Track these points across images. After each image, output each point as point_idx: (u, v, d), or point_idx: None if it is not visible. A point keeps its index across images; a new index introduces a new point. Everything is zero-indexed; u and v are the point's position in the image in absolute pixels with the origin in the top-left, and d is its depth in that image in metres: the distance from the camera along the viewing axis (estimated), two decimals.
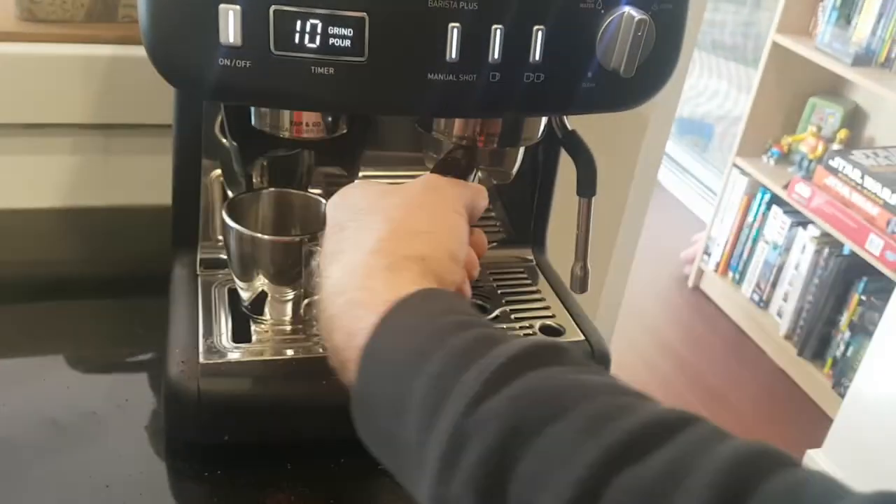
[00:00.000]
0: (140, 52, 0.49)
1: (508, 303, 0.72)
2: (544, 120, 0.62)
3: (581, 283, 0.66)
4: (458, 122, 0.59)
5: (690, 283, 2.78)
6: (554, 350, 0.39)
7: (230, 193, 0.71)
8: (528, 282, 0.75)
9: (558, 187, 0.78)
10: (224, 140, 0.63)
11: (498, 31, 0.50)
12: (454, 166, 0.59)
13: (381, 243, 0.46)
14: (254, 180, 0.69)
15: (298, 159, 0.69)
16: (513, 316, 0.70)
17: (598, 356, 0.65)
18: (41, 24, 0.80)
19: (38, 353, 0.72)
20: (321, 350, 0.62)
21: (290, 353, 0.61)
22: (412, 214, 0.48)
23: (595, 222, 0.65)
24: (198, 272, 0.69)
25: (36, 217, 0.87)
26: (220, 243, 0.68)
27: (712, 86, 3.74)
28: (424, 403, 0.38)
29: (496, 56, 0.51)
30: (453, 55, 0.50)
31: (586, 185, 0.64)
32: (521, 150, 0.64)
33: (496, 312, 0.70)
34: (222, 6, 0.46)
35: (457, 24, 0.49)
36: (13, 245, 0.85)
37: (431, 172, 0.57)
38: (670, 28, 0.54)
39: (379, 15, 0.48)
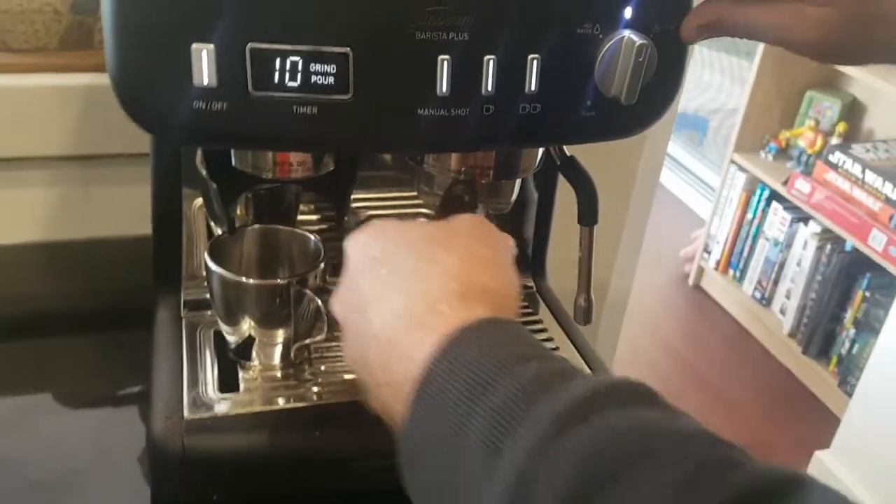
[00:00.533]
0: None
1: None
2: (541, 149, 0.59)
3: (585, 315, 0.63)
4: (451, 156, 0.56)
5: (691, 282, 2.75)
6: (637, 389, 0.35)
7: (213, 225, 0.68)
8: (530, 310, 0.72)
9: (556, 208, 0.75)
10: (204, 173, 0.60)
11: (491, 62, 0.47)
12: (458, 203, 0.56)
13: (451, 272, 0.42)
14: (238, 212, 0.66)
15: (284, 192, 0.65)
16: None
17: None
18: (14, 53, 0.76)
19: (18, 394, 0.70)
20: (315, 397, 0.59)
21: (281, 401, 0.58)
22: (475, 246, 0.45)
23: (598, 230, 0.62)
24: (182, 314, 0.65)
25: (14, 253, 0.84)
26: (206, 284, 0.65)
27: (705, 78, 3.71)
28: (486, 439, 0.33)
29: (489, 88, 0.48)
30: (444, 89, 0.47)
31: (588, 214, 0.61)
32: (519, 180, 0.61)
33: None
34: (195, 45, 0.43)
35: (447, 57, 0.46)
36: None
37: (437, 211, 0.54)
38: (673, 51, 0.51)
39: (363, 50, 0.45)
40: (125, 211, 0.84)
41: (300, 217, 0.69)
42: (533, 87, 0.49)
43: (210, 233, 0.69)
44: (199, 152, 0.61)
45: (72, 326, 0.80)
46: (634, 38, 0.48)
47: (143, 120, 0.46)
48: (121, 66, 0.44)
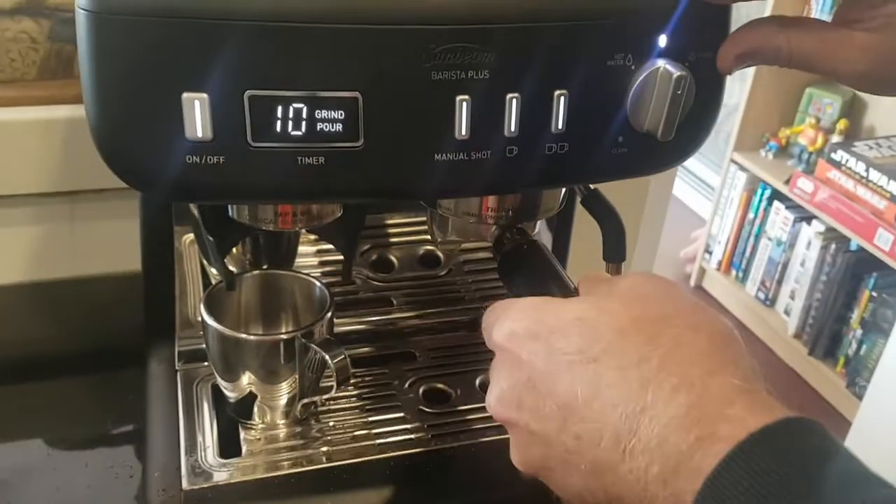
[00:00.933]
0: None
1: None
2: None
3: None
4: (468, 200, 0.52)
5: (693, 282, 2.71)
6: None
7: (207, 264, 0.63)
8: None
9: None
10: (199, 220, 0.56)
11: (514, 101, 0.43)
12: (518, 251, 0.51)
13: (690, 356, 0.36)
14: (233, 251, 0.61)
15: (282, 234, 0.61)
16: None
17: None
18: None
19: (8, 440, 0.66)
20: (324, 458, 0.55)
21: (286, 465, 0.54)
22: (710, 321, 0.39)
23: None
24: (176, 367, 0.61)
25: (1, 294, 0.79)
26: (201, 333, 0.61)
27: None
28: None
29: (513, 129, 0.43)
30: (463, 132, 0.42)
31: (615, 250, 0.56)
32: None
33: None
34: (186, 95, 0.38)
35: (465, 97, 0.42)
36: None
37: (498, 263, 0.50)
38: (711, 79, 0.47)
39: (374, 93, 0.40)
40: (114, 247, 0.79)
41: (303, 260, 0.64)
42: (560, 126, 0.44)
43: (204, 271, 0.65)
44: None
45: (61, 367, 0.76)
46: (671, 68, 0.44)
47: (130, 177, 0.41)
48: (103, 120, 0.39)
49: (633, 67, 0.45)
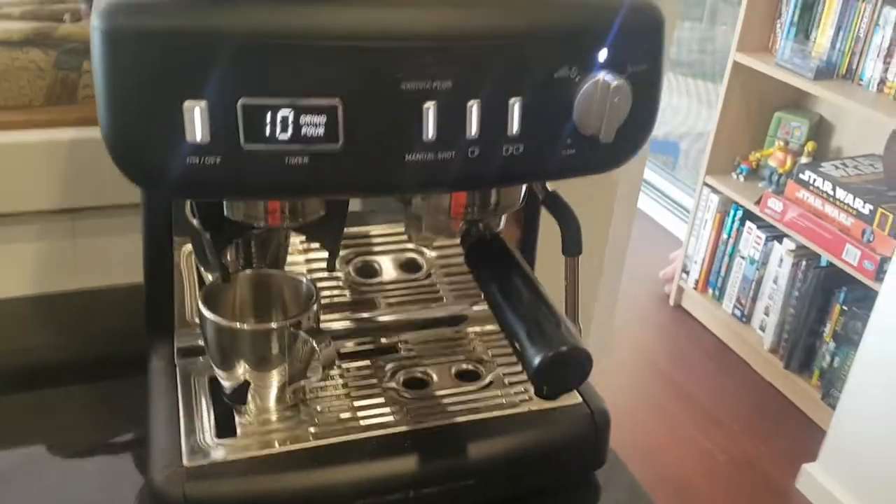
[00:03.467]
0: None
1: (500, 366, 0.70)
2: (524, 186, 0.61)
3: None
4: (440, 197, 0.58)
5: (672, 302, 2.78)
6: None
7: (204, 271, 0.69)
8: None
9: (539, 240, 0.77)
10: (194, 222, 0.61)
11: (474, 107, 0.49)
12: (481, 242, 0.57)
13: None
14: (228, 257, 0.67)
15: (272, 236, 0.67)
16: (506, 381, 0.68)
17: (598, 421, 0.64)
18: None
19: (13, 447, 0.70)
20: (311, 437, 0.60)
21: (278, 444, 0.59)
22: None
23: (582, 258, 0.64)
24: (175, 361, 0.66)
25: (5, 307, 0.84)
26: (199, 330, 0.66)
27: (674, 102, 3.78)
28: None
29: (474, 132, 0.49)
30: (430, 134, 0.49)
31: (572, 245, 0.62)
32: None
33: (489, 378, 0.68)
34: (187, 103, 0.44)
35: (432, 104, 0.48)
36: None
37: (466, 256, 0.56)
38: (647, 89, 0.53)
39: (352, 101, 0.46)
40: (115, 261, 0.85)
41: (292, 259, 0.70)
42: (515, 130, 0.50)
43: (201, 279, 0.70)
44: (189, 203, 0.62)
45: (66, 378, 0.80)
46: (610, 79, 0.50)
47: (138, 177, 0.47)
48: (114, 125, 0.45)
49: (577, 79, 0.51)
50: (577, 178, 0.61)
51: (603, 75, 0.50)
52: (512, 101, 0.50)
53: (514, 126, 0.50)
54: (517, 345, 0.50)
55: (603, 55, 0.51)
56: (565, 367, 0.49)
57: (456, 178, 0.51)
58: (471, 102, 0.49)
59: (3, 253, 0.82)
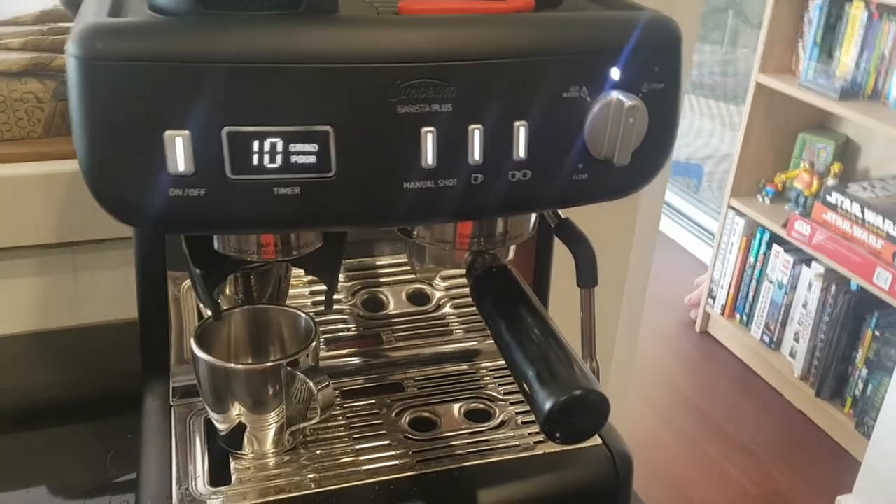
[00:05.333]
0: None
1: (513, 405, 0.66)
2: (534, 214, 0.57)
3: None
4: (442, 227, 0.54)
5: (698, 328, 2.71)
6: None
7: (202, 306, 0.66)
8: None
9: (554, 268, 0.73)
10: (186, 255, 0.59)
11: (476, 132, 0.46)
12: (488, 273, 0.54)
13: None
14: (226, 292, 0.64)
15: (272, 270, 0.64)
16: (519, 420, 0.64)
17: (619, 465, 0.59)
18: None
19: (10, 487, 0.67)
20: (312, 484, 0.56)
21: (275, 492, 0.55)
22: None
23: (600, 285, 0.60)
24: (171, 402, 0.63)
25: (3, 344, 0.82)
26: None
27: (696, 125, 3.74)
28: None
29: (476, 157, 0.46)
30: (429, 161, 0.45)
31: (587, 276, 0.59)
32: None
33: (501, 418, 0.65)
34: (168, 133, 0.41)
35: (431, 129, 0.45)
36: None
37: (472, 287, 0.53)
38: (663, 109, 0.50)
39: (345, 127, 0.43)
40: (115, 295, 0.83)
41: (296, 291, 0.67)
42: (521, 154, 0.47)
43: (200, 314, 0.67)
44: (183, 238, 0.59)
45: (64, 415, 0.78)
46: (623, 98, 0.47)
47: (118, 211, 0.44)
48: (92, 157, 0.42)
49: (588, 99, 0.48)
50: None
51: (616, 95, 0.47)
52: (517, 123, 0.46)
53: (521, 150, 0.47)
54: (526, 387, 0.46)
55: (616, 73, 0.48)
56: (579, 413, 0.45)
57: (459, 207, 0.48)
58: (473, 126, 0.46)
59: (3, 289, 0.79)
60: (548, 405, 0.43)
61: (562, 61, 0.47)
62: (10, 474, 0.69)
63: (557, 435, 0.45)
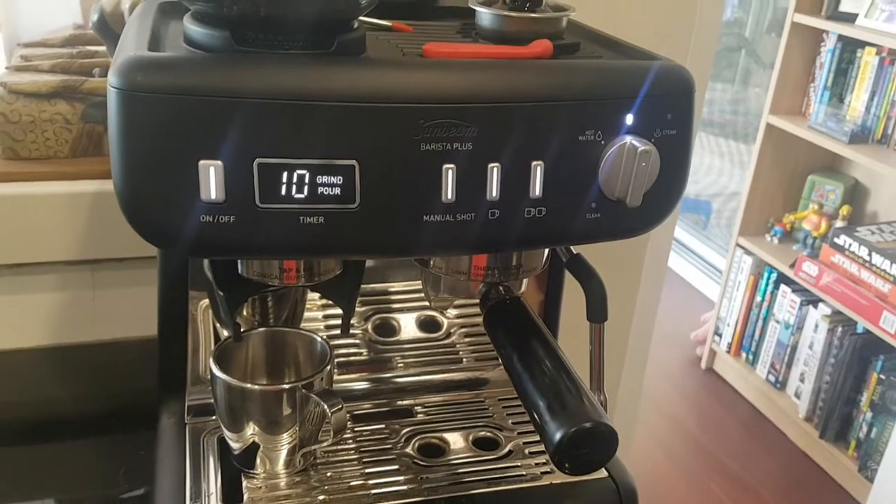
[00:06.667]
0: None
1: (521, 435, 0.67)
2: (547, 249, 0.59)
3: None
4: (460, 258, 0.56)
5: (703, 365, 2.71)
6: None
7: (220, 327, 0.67)
8: None
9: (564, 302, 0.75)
10: (211, 279, 0.60)
11: (495, 170, 0.48)
12: (501, 305, 0.56)
13: None
14: (245, 313, 0.65)
15: (289, 294, 0.65)
16: (527, 451, 0.66)
17: (624, 497, 0.60)
18: (24, 161, 0.78)
19: (27, 499, 0.68)
20: None
21: None
22: None
23: (609, 321, 0.61)
24: (186, 420, 0.65)
25: (23, 357, 0.84)
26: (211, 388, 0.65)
27: (706, 162, 3.76)
28: None
29: (494, 194, 0.48)
30: (449, 196, 0.47)
31: (596, 311, 0.60)
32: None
33: (508, 447, 0.66)
34: (202, 162, 0.44)
35: (451, 166, 0.47)
36: (1, 387, 0.82)
37: (485, 318, 0.54)
38: (675, 154, 0.52)
39: (369, 161, 0.45)
40: (134, 313, 0.84)
41: (311, 314, 0.69)
42: (537, 193, 0.49)
43: (217, 334, 0.69)
44: (209, 262, 0.61)
45: (81, 429, 0.79)
46: (637, 143, 0.49)
47: (151, 235, 0.46)
48: (128, 185, 0.44)
49: (602, 142, 0.50)
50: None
51: (630, 139, 0.49)
52: (534, 163, 0.48)
53: (537, 189, 0.49)
54: (537, 418, 0.48)
55: (630, 119, 0.50)
56: (588, 444, 0.46)
57: (475, 240, 0.49)
58: (491, 164, 0.48)
59: (23, 303, 0.81)
60: (558, 436, 0.45)
61: (578, 106, 0.49)
62: (24, 486, 0.70)
63: (567, 465, 0.46)
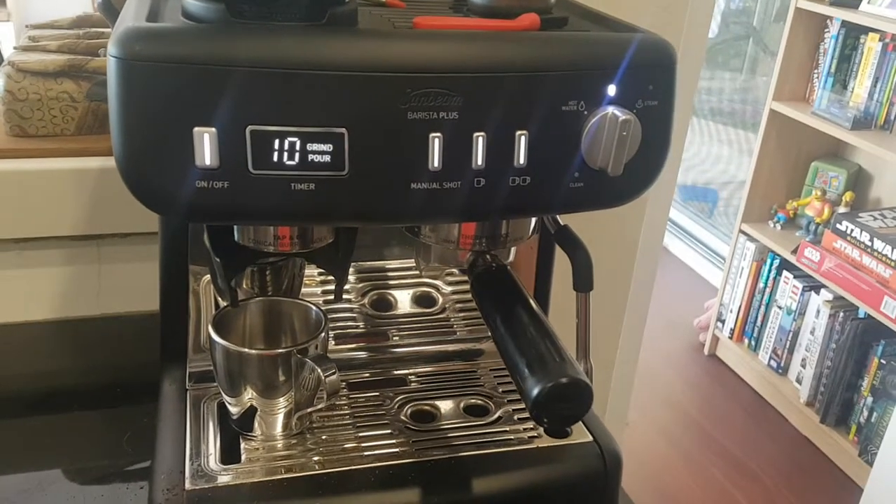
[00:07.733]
0: None
1: (511, 402, 0.69)
2: (534, 218, 0.61)
3: None
4: (447, 227, 0.58)
5: (706, 351, 2.73)
6: None
7: (220, 299, 0.69)
8: None
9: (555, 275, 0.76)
10: (208, 245, 0.62)
11: (480, 139, 0.49)
12: (488, 272, 0.57)
13: None
14: (244, 285, 0.67)
15: (287, 265, 0.67)
16: (516, 417, 0.67)
17: (608, 461, 0.62)
18: (31, 139, 0.80)
19: (31, 469, 0.70)
20: (317, 466, 0.60)
21: (281, 471, 0.59)
22: None
23: (604, 291, 0.63)
24: (187, 386, 0.67)
25: (30, 330, 0.86)
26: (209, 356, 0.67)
27: (714, 152, 3.76)
28: None
29: (479, 163, 0.50)
30: (436, 164, 0.49)
31: (582, 281, 0.62)
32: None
33: (498, 413, 0.68)
34: (197, 129, 0.45)
35: (438, 135, 0.48)
36: (7, 359, 0.84)
37: (472, 286, 0.56)
38: (657, 124, 0.53)
39: (358, 129, 0.47)
40: (137, 288, 0.87)
41: (309, 290, 0.71)
42: (521, 161, 0.51)
43: (217, 306, 0.71)
44: (206, 229, 0.63)
45: (84, 401, 0.81)
46: (618, 113, 0.50)
47: (150, 201, 0.48)
48: (127, 151, 0.46)
49: (585, 112, 0.51)
50: (601, 215, 0.62)
51: (612, 109, 0.51)
52: (518, 133, 0.50)
53: (521, 158, 0.51)
54: (517, 375, 0.50)
55: (612, 90, 0.51)
56: (565, 400, 0.48)
57: (462, 208, 0.51)
58: (477, 133, 0.49)
59: (30, 277, 0.84)
60: (535, 391, 0.47)
61: (561, 77, 0.51)
62: (32, 455, 0.72)
63: (545, 420, 0.48)
